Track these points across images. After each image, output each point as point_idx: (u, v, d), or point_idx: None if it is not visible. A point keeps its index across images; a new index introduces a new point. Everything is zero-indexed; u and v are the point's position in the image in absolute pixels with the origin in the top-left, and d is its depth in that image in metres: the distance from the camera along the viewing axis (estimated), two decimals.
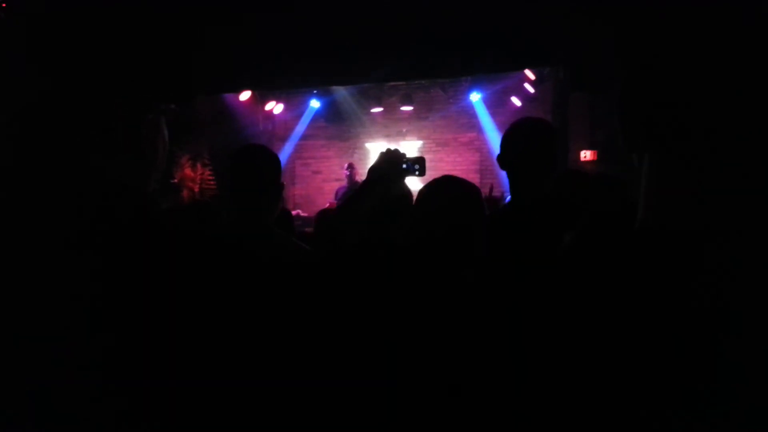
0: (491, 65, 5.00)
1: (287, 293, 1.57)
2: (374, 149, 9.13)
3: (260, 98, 8.91)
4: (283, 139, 9.63)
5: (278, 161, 1.81)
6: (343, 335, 1.48)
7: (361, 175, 7.45)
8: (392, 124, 9.38)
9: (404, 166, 1.62)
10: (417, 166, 1.64)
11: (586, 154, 7.45)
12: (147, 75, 0.90)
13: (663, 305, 0.48)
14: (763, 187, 0.48)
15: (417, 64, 4.66)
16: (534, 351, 0.72)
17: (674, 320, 0.48)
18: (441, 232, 1.44)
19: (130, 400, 0.91)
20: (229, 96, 8.00)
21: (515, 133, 1.84)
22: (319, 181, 9.71)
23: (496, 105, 8.69)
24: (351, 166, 8.09)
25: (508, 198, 2.00)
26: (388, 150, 1.65)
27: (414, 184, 1.70)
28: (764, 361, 0.46)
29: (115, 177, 0.83)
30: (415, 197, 1.63)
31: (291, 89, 8.60)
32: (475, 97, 8.65)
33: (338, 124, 9.53)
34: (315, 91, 9.09)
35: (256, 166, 1.75)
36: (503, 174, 1.94)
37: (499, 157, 1.86)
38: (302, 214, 7.91)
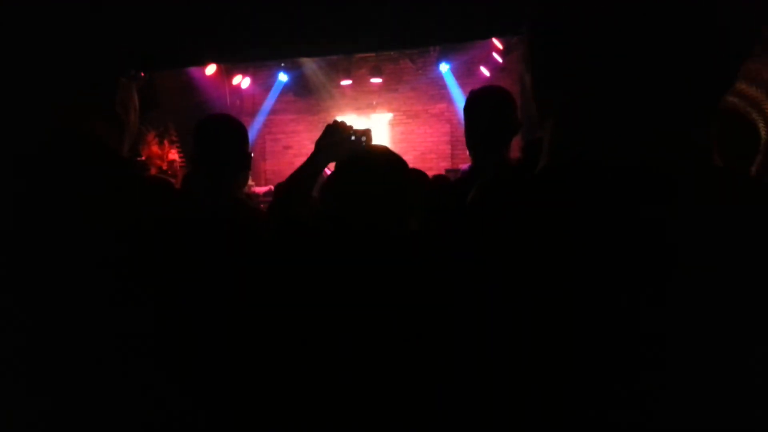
0: (459, 33, 4.98)
1: (257, 269, 1.55)
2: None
3: (226, 72, 8.72)
4: (252, 114, 9.48)
5: (244, 129, 1.78)
6: (310, 314, 1.47)
7: None
8: (362, 97, 9.30)
9: (351, 138, 1.61)
10: (364, 138, 1.62)
11: None
12: (119, 38, 0.86)
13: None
14: (675, 125, 0.49)
15: (386, 34, 4.61)
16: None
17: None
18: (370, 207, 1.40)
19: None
20: (193, 70, 7.80)
21: (470, 102, 1.91)
22: (290, 156, 9.59)
23: (465, 75, 8.68)
24: None
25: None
26: (335, 122, 1.62)
27: None
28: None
29: (97, 141, 0.80)
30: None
31: (257, 61, 8.43)
32: (444, 67, 8.63)
33: (307, 98, 9.41)
34: (282, 64, 8.93)
35: (219, 136, 1.72)
36: None
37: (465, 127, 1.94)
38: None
